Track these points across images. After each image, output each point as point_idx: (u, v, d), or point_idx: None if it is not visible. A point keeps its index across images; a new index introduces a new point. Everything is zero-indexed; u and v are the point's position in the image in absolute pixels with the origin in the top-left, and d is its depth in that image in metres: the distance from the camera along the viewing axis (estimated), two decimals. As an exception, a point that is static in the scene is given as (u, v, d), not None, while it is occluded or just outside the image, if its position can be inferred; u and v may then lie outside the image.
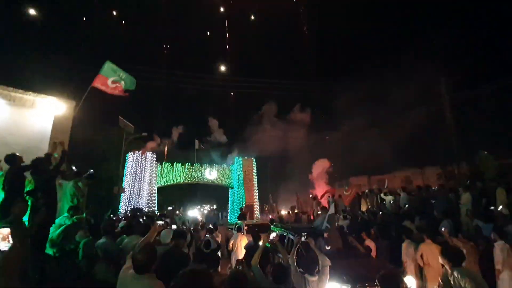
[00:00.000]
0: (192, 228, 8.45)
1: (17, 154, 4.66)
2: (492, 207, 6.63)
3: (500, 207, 6.18)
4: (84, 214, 5.39)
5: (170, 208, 15.84)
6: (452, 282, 2.34)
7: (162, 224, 3.24)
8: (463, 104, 17.47)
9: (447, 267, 2.50)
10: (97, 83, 8.08)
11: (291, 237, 6.01)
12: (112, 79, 8.21)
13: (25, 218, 4.46)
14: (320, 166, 21.96)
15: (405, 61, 21.91)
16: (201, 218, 18.33)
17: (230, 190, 21.48)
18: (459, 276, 2.31)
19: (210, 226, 8.98)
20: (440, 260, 2.62)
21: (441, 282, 2.48)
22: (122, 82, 8.37)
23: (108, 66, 8.25)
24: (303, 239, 4.20)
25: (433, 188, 10.19)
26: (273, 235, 4.65)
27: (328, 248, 5.67)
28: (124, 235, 4.54)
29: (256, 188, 20.83)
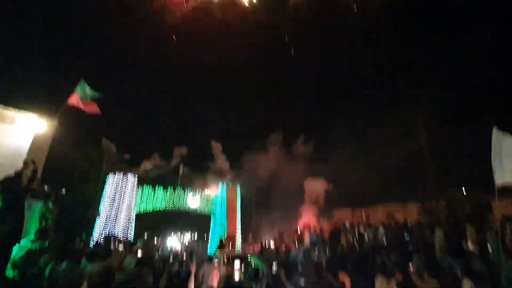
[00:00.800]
0: (165, 258, 8.15)
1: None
2: (463, 244, 6.78)
3: (469, 244, 6.35)
4: (47, 243, 5.14)
5: (145, 237, 15.17)
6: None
7: (123, 251, 3.18)
8: (442, 142, 18.38)
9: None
10: (72, 101, 8.40)
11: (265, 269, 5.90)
12: (82, 96, 8.61)
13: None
14: (316, 188, 22.01)
15: (389, 99, 23.19)
16: (180, 248, 17.60)
17: (212, 218, 20.97)
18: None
19: (187, 256, 8.69)
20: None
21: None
22: (88, 95, 8.89)
23: (82, 85, 8.68)
24: (274, 268, 4.17)
25: (411, 223, 10.33)
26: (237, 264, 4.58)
27: (302, 281, 5.58)
28: (86, 261, 4.36)
29: (239, 218, 20.44)
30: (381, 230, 9.82)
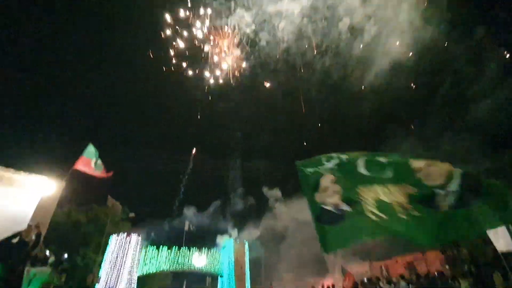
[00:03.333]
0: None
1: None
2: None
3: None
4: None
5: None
6: None
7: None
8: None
9: None
10: (80, 165, 8.60)
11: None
12: (94, 160, 8.86)
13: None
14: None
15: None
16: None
17: (219, 279, 19.55)
18: None
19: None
20: None
21: None
22: (99, 163, 9.06)
23: (90, 148, 9.03)
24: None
25: (433, 275, 9.53)
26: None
27: None
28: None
29: (248, 277, 19.04)
30: (403, 284, 9.03)
